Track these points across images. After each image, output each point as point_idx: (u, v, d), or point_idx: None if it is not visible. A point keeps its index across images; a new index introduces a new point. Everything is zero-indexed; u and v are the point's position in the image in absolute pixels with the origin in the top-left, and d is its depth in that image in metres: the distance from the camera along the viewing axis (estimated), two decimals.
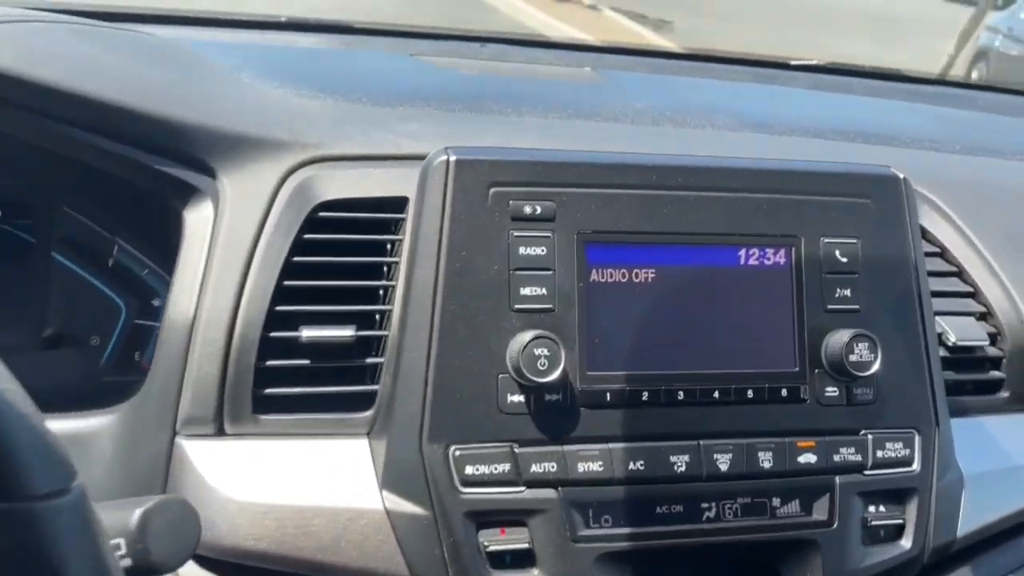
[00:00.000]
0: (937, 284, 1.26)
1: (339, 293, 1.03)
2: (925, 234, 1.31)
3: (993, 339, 1.26)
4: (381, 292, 1.04)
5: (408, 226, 1.03)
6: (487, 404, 0.97)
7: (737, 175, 1.07)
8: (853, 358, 1.06)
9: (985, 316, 1.27)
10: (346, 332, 1.00)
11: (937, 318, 1.23)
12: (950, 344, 1.22)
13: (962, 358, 1.23)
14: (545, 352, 0.96)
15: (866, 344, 1.06)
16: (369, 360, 1.01)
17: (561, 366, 0.95)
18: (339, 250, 1.05)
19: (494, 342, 0.97)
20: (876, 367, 1.05)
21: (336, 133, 1.12)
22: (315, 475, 0.97)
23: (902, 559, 1.07)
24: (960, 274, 1.30)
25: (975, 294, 1.28)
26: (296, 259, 1.02)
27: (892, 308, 1.09)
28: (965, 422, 1.21)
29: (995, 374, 1.25)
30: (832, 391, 1.08)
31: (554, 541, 0.97)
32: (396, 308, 1.00)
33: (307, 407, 1.00)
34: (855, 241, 1.10)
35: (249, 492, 0.95)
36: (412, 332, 0.97)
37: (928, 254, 1.29)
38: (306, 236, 1.04)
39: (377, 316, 1.03)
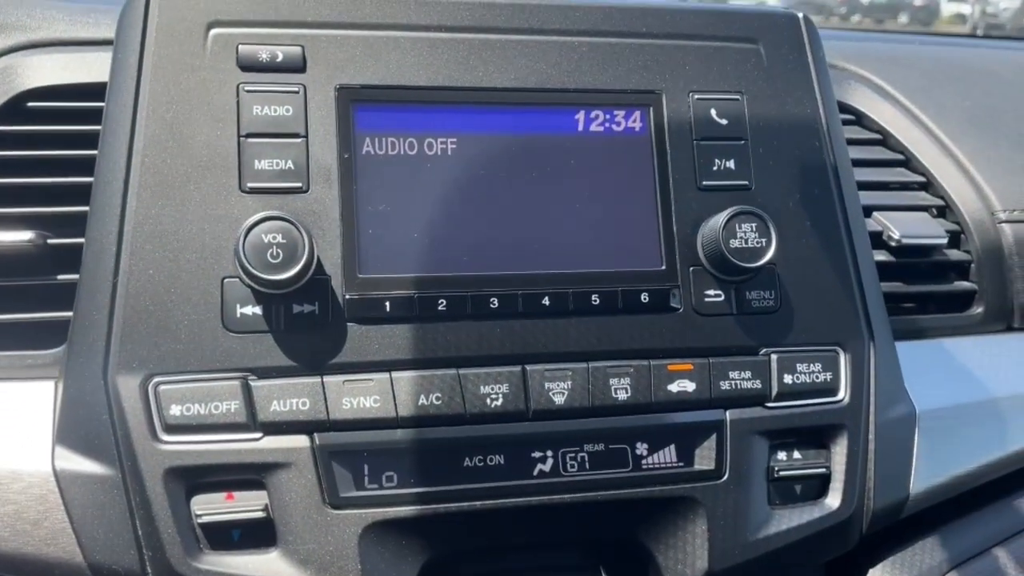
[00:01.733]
0: (878, 175, 0.95)
1: (33, 196, 0.77)
2: (862, 119, 1.02)
3: (955, 239, 0.96)
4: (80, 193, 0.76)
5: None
6: (206, 319, 0.67)
7: (574, 13, 0.77)
8: (736, 244, 0.75)
9: (944, 211, 0.97)
10: (22, 236, 0.74)
11: (878, 214, 0.93)
12: (894, 244, 0.91)
13: (914, 264, 0.92)
14: (277, 239, 0.68)
15: (753, 224, 0.76)
16: (61, 277, 0.74)
17: (303, 260, 0.66)
18: (44, 144, 0.80)
19: (216, 234, 0.68)
20: (770, 255, 0.74)
21: (43, 16, 0.88)
22: None
23: (827, 524, 0.74)
24: (908, 163, 0.99)
25: (928, 185, 0.97)
26: None
27: (796, 185, 0.78)
28: (923, 345, 0.88)
29: (963, 285, 0.94)
30: (715, 295, 0.77)
31: (304, 508, 0.66)
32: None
33: None
34: (738, 98, 0.81)
35: None
36: (99, 224, 0.69)
37: (865, 142, 1.00)
38: (1, 128, 0.80)
39: (74, 222, 0.75)
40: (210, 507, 0.66)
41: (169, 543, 0.64)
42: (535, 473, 0.72)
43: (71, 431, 0.67)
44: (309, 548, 0.66)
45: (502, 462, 0.71)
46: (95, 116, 0.76)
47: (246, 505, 0.66)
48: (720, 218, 0.74)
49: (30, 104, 0.80)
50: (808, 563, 0.76)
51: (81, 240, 0.72)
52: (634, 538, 0.72)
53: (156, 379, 0.66)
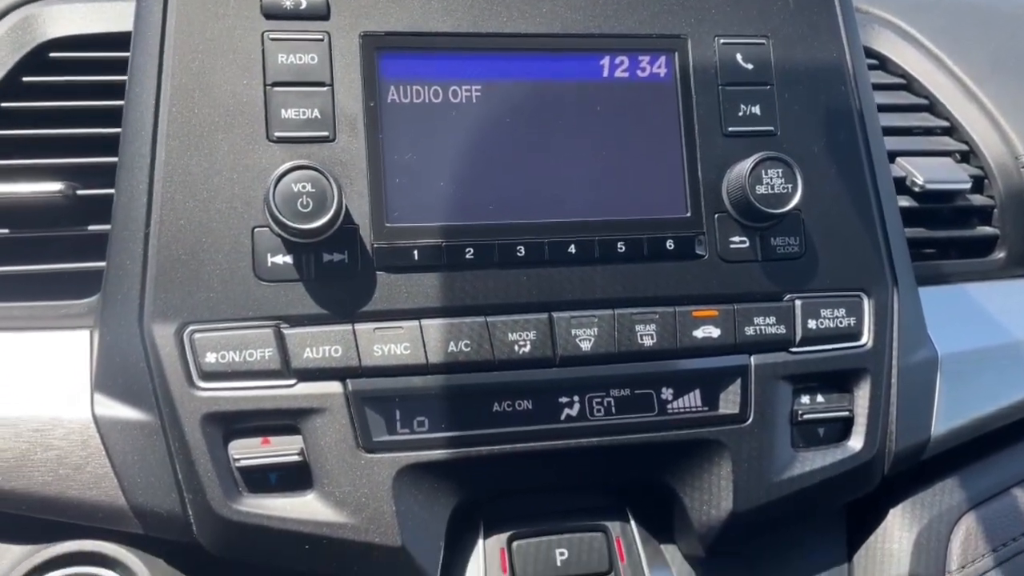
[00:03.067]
0: (902, 120, 0.93)
1: (61, 146, 0.76)
2: (886, 64, 1.00)
3: (979, 184, 0.94)
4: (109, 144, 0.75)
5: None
6: (238, 268, 0.67)
7: None
8: (761, 190, 0.74)
9: (967, 156, 0.96)
10: (52, 187, 0.74)
11: (901, 160, 0.92)
12: (918, 189, 0.90)
13: (937, 209, 0.91)
14: (307, 188, 0.67)
15: (779, 170, 0.75)
16: (92, 228, 0.74)
17: (332, 208, 0.66)
18: (70, 95, 0.79)
19: (245, 184, 0.67)
20: (795, 200, 0.73)
21: None
22: (5, 378, 0.68)
23: (850, 466, 0.74)
24: (931, 107, 0.97)
25: (952, 130, 0.95)
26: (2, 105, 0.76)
27: (822, 130, 0.76)
28: (946, 290, 0.88)
29: (986, 230, 0.93)
30: (739, 242, 0.77)
31: (338, 451, 0.67)
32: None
33: (14, 291, 0.72)
34: (764, 42, 0.79)
35: None
36: (129, 175, 0.68)
37: (889, 87, 0.98)
38: (25, 79, 0.79)
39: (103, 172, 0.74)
40: (247, 451, 0.66)
41: (209, 486, 0.65)
42: (562, 418, 0.72)
43: (109, 379, 0.67)
44: (344, 491, 0.66)
45: (530, 407, 0.71)
46: (120, 66, 0.75)
47: (282, 449, 0.67)
48: (746, 164, 0.73)
49: (53, 55, 0.79)
50: (830, 504, 0.76)
51: (110, 191, 0.72)
52: (660, 480, 0.73)
53: (191, 327, 0.66)
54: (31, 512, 0.65)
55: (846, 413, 0.75)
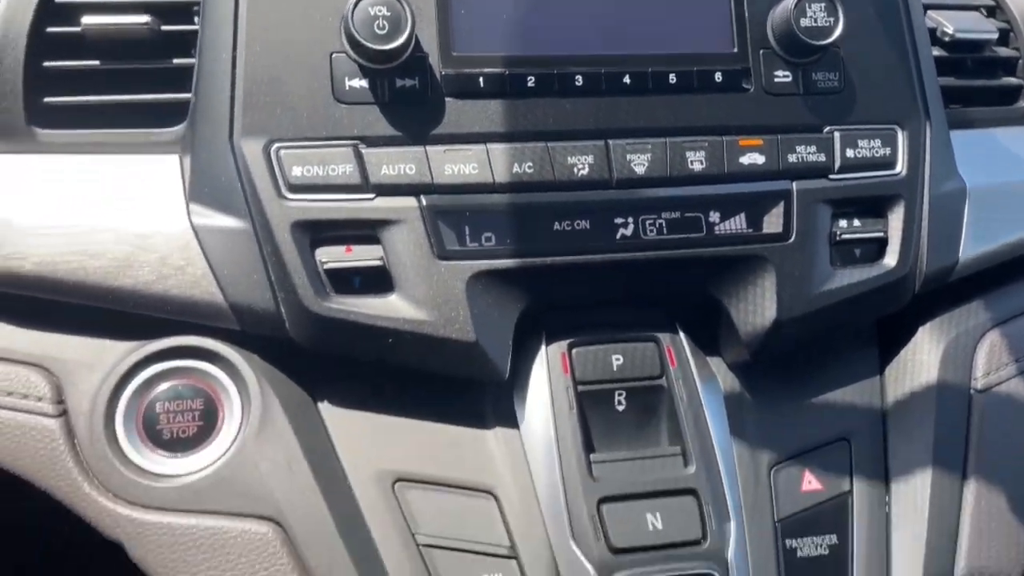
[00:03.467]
0: None
1: None
2: None
3: (1004, 37, 0.98)
4: None
5: None
6: (319, 92, 0.71)
7: None
8: (806, 23, 0.79)
9: (993, 12, 0.99)
10: (139, 19, 0.78)
11: (932, 12, 0.96)
12: (948, 39, 0.94)
13: (965, 59, 0.95)
14: (383, 12, 0.72)
15: (822, 4, 0.80)
16: (177, 61, 0.77)
17: (406, 31, 0.70)
18: None
19: (324, 11, 0.72)
20: (838, 32, 0.77)
21: None
22: (105, 192, 0.73)
23: (884, 282, 0.79)
24: None
25: None
26: None
27: None
28: (973, 133, 0.92)
29: (1011, 80, 0.96)
30: (783, 76, 0.81)
31: (415, 258, 0.72)
32: None
33: (100, 120, 0.76)
34: None
35: (21, 210, 0.72)
36: (214, 8, 0.72)
37: None
38: None
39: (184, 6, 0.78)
40: (333, 256, 0.72)
41: (300, 286, 0.70)
42: (618, 237, 0.77)
43: (203, 192, 0.72)
44: (422, 293, 0.72)
45: (588, 227, 0.76)
46: None
47: (364, 256, 0.72)
48: (791, 0, 0.77)
49: None
50: (866, 318, 0.82)
51: (192, 27, 0.76)
52: (708, 294, 0.79)
53: (277, 144, 0.71)
54: (138, 309, 0.71)
55: (881, 234, 0.80)
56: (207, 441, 0.71)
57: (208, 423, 0.72)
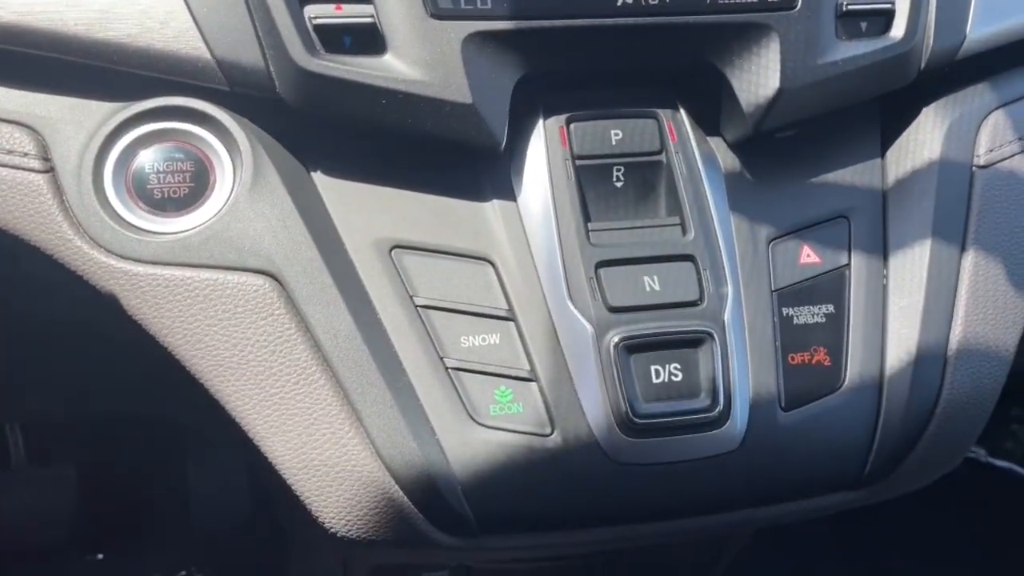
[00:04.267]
0: None
1: None
2: None
3: None
4: None
5: None
6: None
7: None
8: None
9: None
10: None
11: None
12: None
13: None
14: None
15: None
16: None
17: None
18: None
19: None
20: None
21: None
22: None
23: (890, 54, 0.76)
24: None
25: None
26: None
27: None
28: None
29: None
30: None
31: (408, 17, 0.69)
32: None
33: None
34: None
35: None
36: None
37: None
38: None
39: None
40: (322, 13, 0.69)
41: (289, 41, 0.67)
42: (618, 3, 0.74)
43: None
44: (417, 52, 0.69)
45: None
46: None
47: (355, 13, 0.69)
48: None
49: None
50: (868, 94, 0.80)
51: None
52: (710, 64, 0.76)
53: None
54: (121, 64, 0.68)
55: (888, 6, 0.77)
56: (199, 202, 0.69)
57: (199, 185, 0.69)
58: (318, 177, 0.73)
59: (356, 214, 0.73)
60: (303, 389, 0.68)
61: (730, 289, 0.73)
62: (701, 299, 0.72)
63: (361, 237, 0.72)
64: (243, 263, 0.68)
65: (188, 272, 0.68)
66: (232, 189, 0.70)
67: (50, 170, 0.69)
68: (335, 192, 0.73)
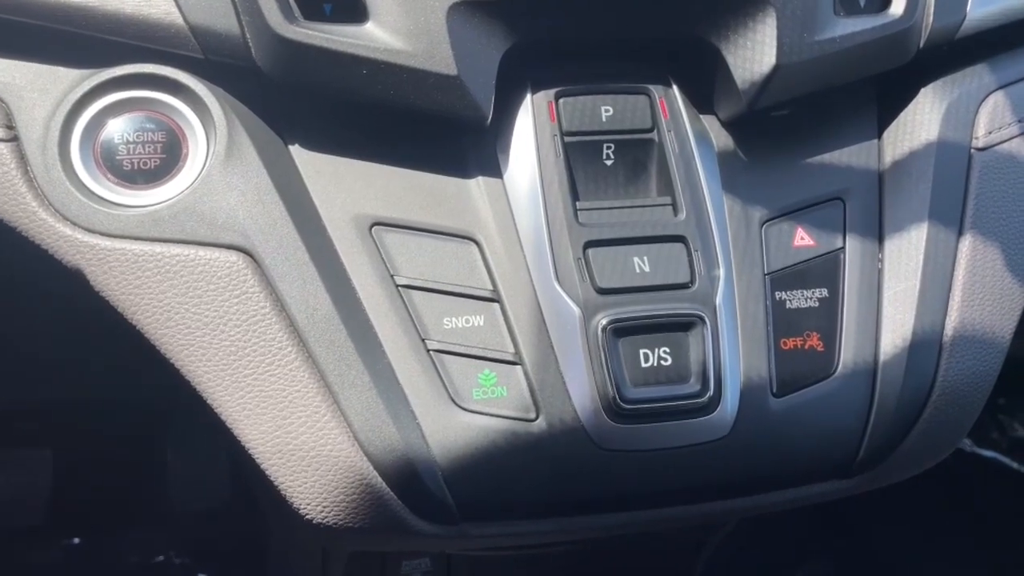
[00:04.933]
0: None
1: None
2: None
3: None
4: None
5: None
6: None
7: None
8: None
9: None
10: None
11: None
12: None
13: None
14: None
15: None
16: None
17: None
18: None
19: None
20: None
21: None
22: None
23: (889, 31, 0.73)
24: None
25: None
26: None
27: None
28: None
29: None
30: None
31: None
32: None
33: None
34: None
35: None
36: None
37: None
38: None
39: None
40: None
41: (266, 7, 0.63)
42: None
43: None
44: (400, 22, 0.65)
45: None
46: None
47: None
48: None
49: None
50: (866, 72, 0.77)
51: None
52: (705, 40, 0.73)
53: None
54: (88, 29, 0.64)
55: None
56: (170, 174, 0.66)
57: (171, 156, 0.66)
58: (295, 150, 0.70)
59: (335, 189, 0.70)
60: (278, 370, 0.66)
61: (722, 272, 0.71)
62: (692, 281, 0.70)
63: (340, 213, 0.69)
64: (216, 238, 0.65)
65: (158, 247, 0.65)
66: (205, 161, 0.67)
67: (14, 139, 0.66)
68: (313, 166, 0.70)
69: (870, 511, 1.57)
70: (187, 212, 0.66)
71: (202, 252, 0.65)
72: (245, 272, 0.66)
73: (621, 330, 0.68)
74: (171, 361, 0.66)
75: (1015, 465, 1.90)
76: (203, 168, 0.67)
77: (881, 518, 1.65)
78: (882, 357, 0.73)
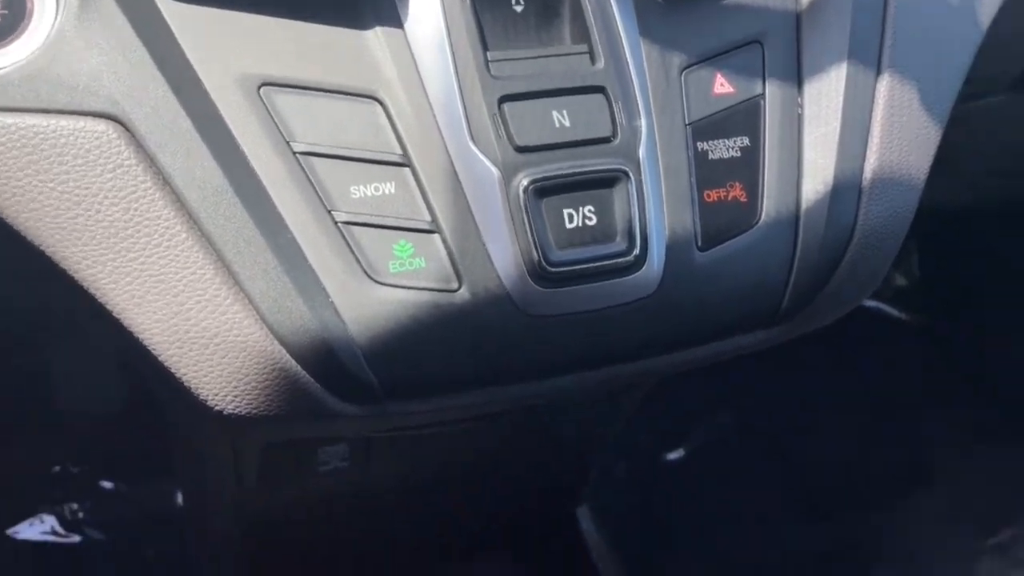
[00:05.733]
0: None
1: None
2: None
3: None
4: None
5: None
6: None
7: None
8: None
9: None
10: None
11: None
12: None
13: None
14: None
15: None
16: None
17: None
18: None
19: None
20: None
21: None
22: None
23: None
24: None
25: None
26: None
27: None
28: None
29: None
30: None
31: None
32: None
33: None
34: None
35: None
36: None
37: None
38: None
39: None
40: None
41: None
42: None
43: None
44: None
45: None
46: None
47: None
48: None
49: None
50: None
51: None
52: None
53: None
54: None
55: None
56: (15, 33, 0.55)
57: (14, 12, 0.55)
58: (163, 2, 0.61)
59: (214, 46, 0.61)
60: (168, 252, 0.58)
61: (643, 123, 0.66)
62: (615, 135, 0.65)
63: (222, 73, 0.60)
64: (78, 105, 0.56)
65: (8, 118, 0.55)
66: (56, 16, 0.57)
67: None
68: (186, 20, 0.60)
69: (767, 368, 1.63)
70: (40, 76, 0.56)
71: (64, 122, 0.56)
72: (118, 143, 0.57)
73: (543, 190, 0.63)
74: (41, 248, 0.58)
75: (896, 313, 2.01)
76: (54, 24, 0.57)
77: (777, 375, 1.72)
78: (804, 204, 0.72)
